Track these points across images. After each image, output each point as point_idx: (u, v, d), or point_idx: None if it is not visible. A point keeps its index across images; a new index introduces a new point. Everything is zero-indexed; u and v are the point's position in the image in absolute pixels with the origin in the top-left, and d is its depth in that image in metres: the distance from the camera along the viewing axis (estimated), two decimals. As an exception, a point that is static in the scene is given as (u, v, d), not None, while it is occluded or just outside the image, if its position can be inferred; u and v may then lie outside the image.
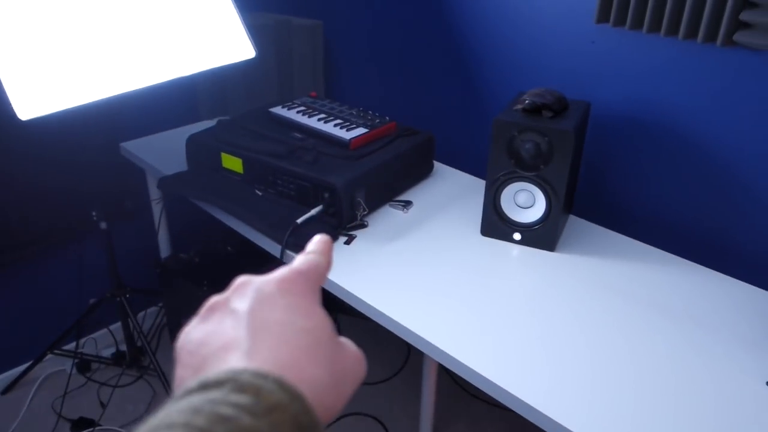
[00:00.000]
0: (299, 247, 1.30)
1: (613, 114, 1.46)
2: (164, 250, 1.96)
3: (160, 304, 2.21)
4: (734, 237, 1.36)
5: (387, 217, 1.46)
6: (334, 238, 1.36)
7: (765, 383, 1.00)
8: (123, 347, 2.02)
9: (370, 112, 1.61)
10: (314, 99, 1.69)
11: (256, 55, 1.34)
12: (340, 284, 1.21)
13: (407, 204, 1.50)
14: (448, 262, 1.29)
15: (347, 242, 1.35)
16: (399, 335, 1.13)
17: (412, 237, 1.38)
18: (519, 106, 1.28)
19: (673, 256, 1.33)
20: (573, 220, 1.47)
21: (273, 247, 1.36)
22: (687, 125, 1.35)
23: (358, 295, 1.18)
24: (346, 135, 1.49)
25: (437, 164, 1.72)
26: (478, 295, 1.19)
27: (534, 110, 1.27)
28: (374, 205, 1.47)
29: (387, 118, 1.58)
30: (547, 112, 1.26)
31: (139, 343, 1.95)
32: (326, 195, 1.36)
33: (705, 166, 1.35)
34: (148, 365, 1.98)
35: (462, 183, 1.63)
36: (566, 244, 1.37)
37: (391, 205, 1.50)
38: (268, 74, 1.93)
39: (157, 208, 1.90)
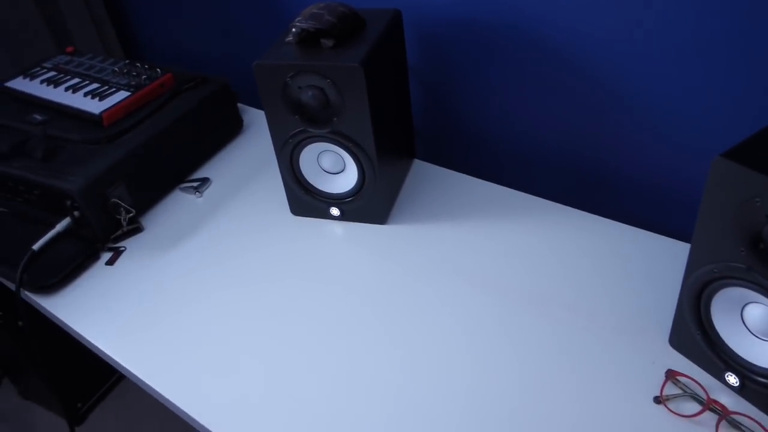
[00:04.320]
0: (42, 287, 0.94)
1: (440, 17, 1.07)
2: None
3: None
4: (621, 170, 1.03)
5: (174, 208, 1.09)
6: (94, 258, 1.00)
7: (652, 399, 0.70)
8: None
9: (138, 64, 1.20)
10: (70, 57, 1.26)
11: None
12: (91, 339, 0.87)
13: (202, 183, 1.13)
14: (245, 267, 0.94)
15: (109, 262, 0.99)
16: (179, 414, 0.81)
17: (203, 234, 1.02)
18: (289, 38, 0.89)
19: (549, 202, 1.00)
20: (419, 166, 1.12)
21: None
22: (543, 21, 0.98)
23: (112, 355, 0.84)
24: (96, 108, 1.09)
25: (253, 113, 1.33)
26: (280, 324, 0.86)
27: (309, 40, 0.89)
28: (153, 198, 1.10)
29: (159, 70, 1.17)
30: (326, 40, 0.87)
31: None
32: (68, 203, 0.99)
33: (572, 75, 0.99)
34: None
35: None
36: (405, 207, 1.03)
37: (182, 190, 1.13)
38: (31, 24, 1.48)
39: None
